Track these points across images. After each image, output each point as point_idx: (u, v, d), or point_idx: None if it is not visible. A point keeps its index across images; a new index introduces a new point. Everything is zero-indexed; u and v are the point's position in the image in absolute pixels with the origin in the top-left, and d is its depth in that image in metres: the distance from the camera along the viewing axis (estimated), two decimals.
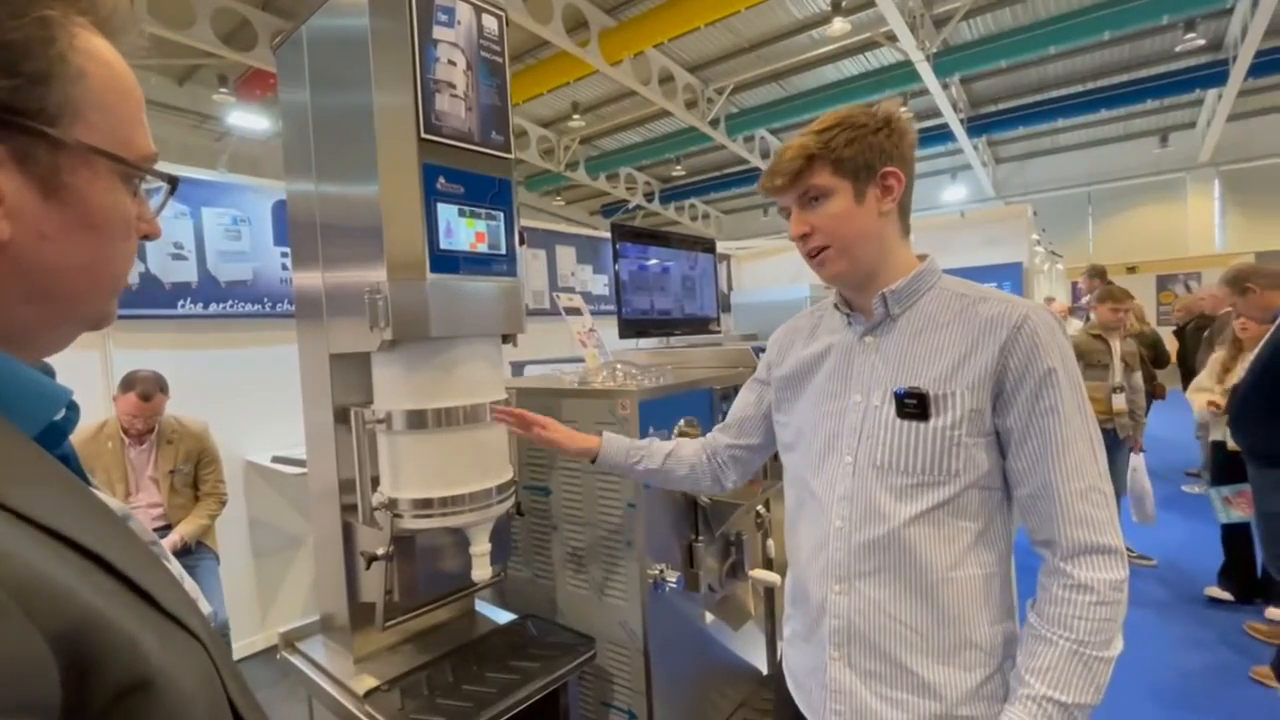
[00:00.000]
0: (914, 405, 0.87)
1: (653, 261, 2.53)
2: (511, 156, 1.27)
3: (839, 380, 0.97)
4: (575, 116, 10.13)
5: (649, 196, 14.61)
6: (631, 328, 2.34)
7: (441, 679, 1.29)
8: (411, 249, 1.13)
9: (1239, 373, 2.78)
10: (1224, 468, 3.16)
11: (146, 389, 2.45)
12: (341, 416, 1.31)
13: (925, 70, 8.37)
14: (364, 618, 1.35)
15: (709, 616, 1.64)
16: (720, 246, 3.76)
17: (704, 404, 1.64)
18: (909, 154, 0.92)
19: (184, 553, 2.52)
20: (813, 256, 0.95)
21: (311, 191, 1.30)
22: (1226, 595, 3.25)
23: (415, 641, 1.44)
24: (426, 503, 1.20)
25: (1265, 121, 11.68)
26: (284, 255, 3.16)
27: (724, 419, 1.71)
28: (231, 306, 3.00)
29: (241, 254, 3.01)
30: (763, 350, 1.90)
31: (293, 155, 1.36)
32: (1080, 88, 10.47)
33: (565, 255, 4.46)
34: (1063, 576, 0.81)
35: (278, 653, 1.46)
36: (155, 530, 2.55)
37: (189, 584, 0.49)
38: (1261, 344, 2.63)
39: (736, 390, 1.79)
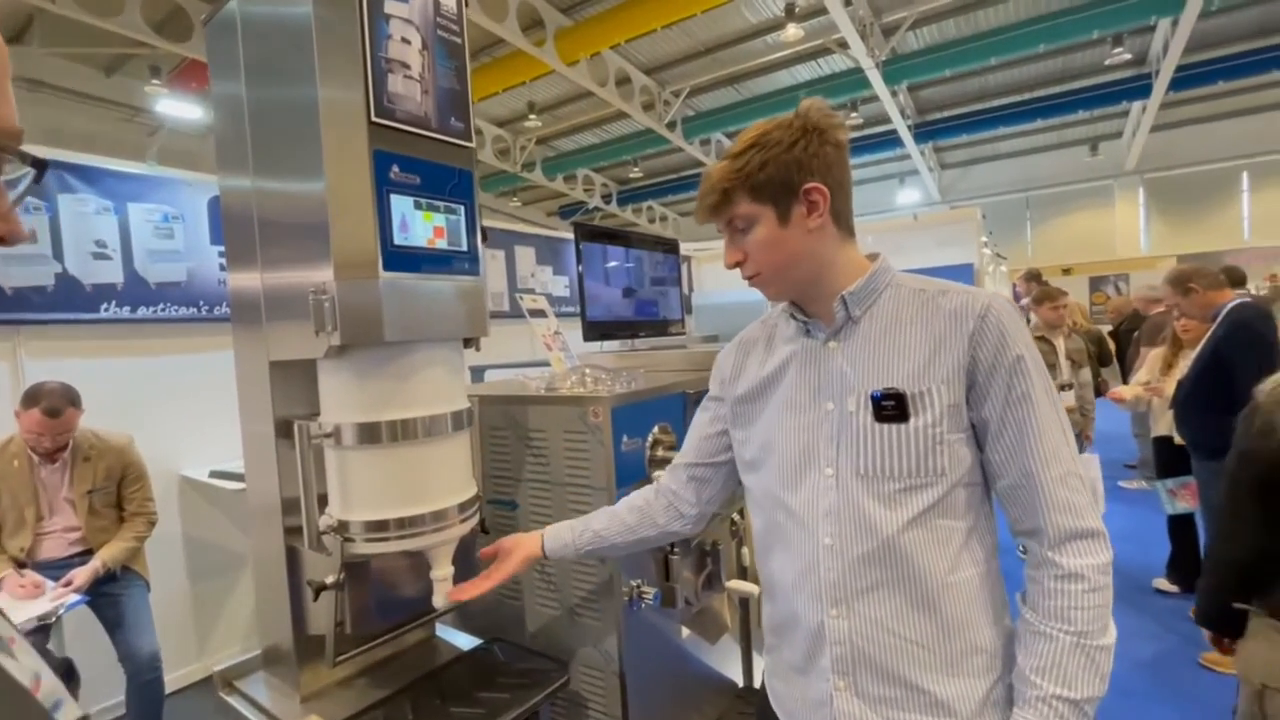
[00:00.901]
0: (892, 407, 0.83)
1: (616, 262, 2.46)
2: (473, 146, 1.18)
3: (806, 390, 0.92)
4: (532, 116, 9.97)
5: (606, 198, 14.55)
6: (596, 330, 2.26)
7: (400, 717, 1.18)
8: (361, 245, 1.03)
9: (1182, 368, 2.89)
10: (1167, 462, 3.29)
11: (53, 404, 2.18)
12: (284, 430, 1.18)
13: (875, 77, 8.59)
14: (311, 651, 1.22)
15: (685, 632, 1.57)
16: (681, 247, 3.73)
17: (677, 409, 1.57)
18: (833, 159, 0.87)
19: (108, 580, 2.30)
20: (751, 279, 0.93)
21: (247, 186, 1.17)
22: (1174, 588, 3.39)
23: (370, 675, 1.32)
24: (381, 525, 1.09)
25: (1185, 132, 12.47)
26: (222, 255, 2.95)
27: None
28: (163, 310, 2.78)
29: (174, 253, 2.79)
30: None
31: (226, 146, 1.23)
32: (1018, 97, 10.95)
33: (525, 256, 4.34)
34: (1052, 567, 0.79)
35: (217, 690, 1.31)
36: (74, 556, 2.32)
37: (46, 681, 0.38)
38: (1203, 342, 2.74)
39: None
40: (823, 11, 7.14)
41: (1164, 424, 3.31)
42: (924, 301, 0.87)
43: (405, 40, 1.05)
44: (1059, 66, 10.05)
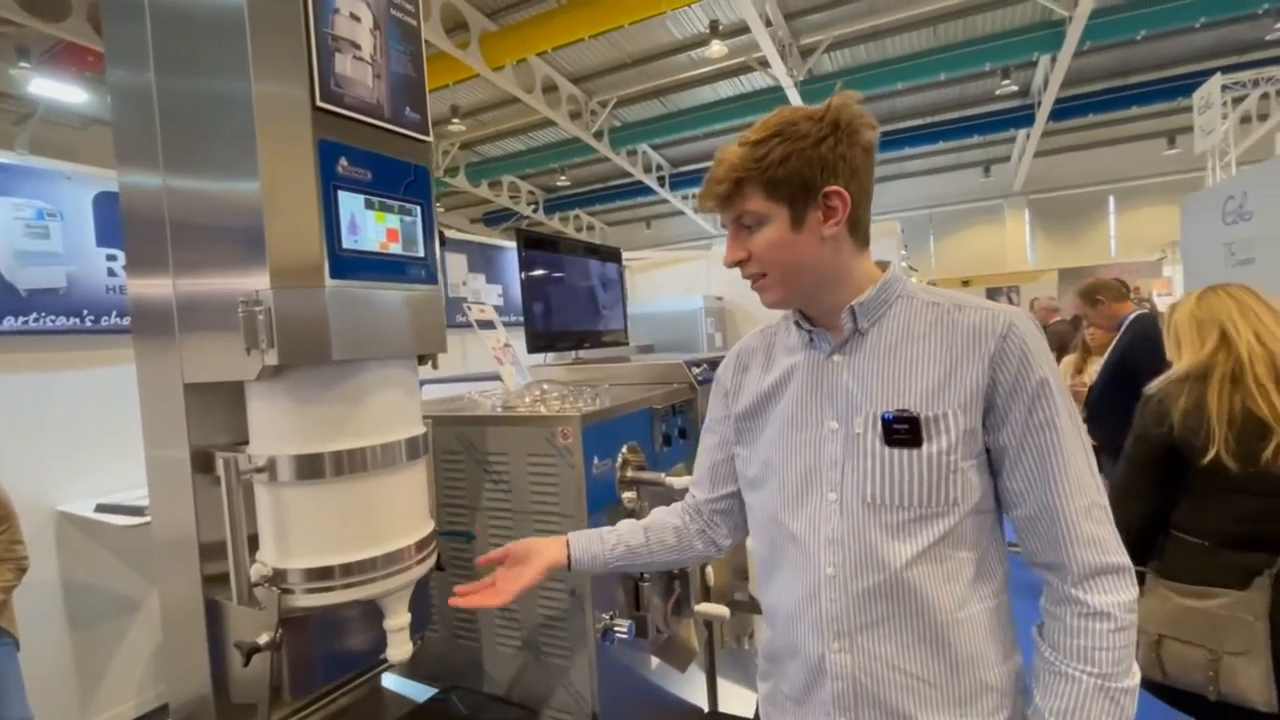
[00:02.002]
0: (905, 431, 0.77)
1: (562, 271, 2.37)
2: (430, 140, 1.06)
3: (810, 407, 0.86)
4: (455, 120, 9.66)
5: (533, 206, 14.33)
6: (540, 340, 2.15)
7: None
8: (304, 248, 0.89)
9: (1091, 373, 3.12)
10: None
11: None
12: (202, 462, 1.01)
13: (794, 96, 8.95)
14: (237, 717, 1.05)
15: (654, 661, 1.49)
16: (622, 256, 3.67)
17: (643, 427, 1.49)
18: (860, 163, 0.80)
19: None
20: (752, 280, 0.86)
21: (155, 183, 0.99)
22: None
23: None
24: (326, 572, 0.94)
25: (1064, 158, 13.81)
26: (112, 259, 2.60)
27: (664, 443, 1.59)
28: (36, 320, 2.39)
29: (50, 255, 2.42)
30: (696, 365, 1.80)
31: (129, 139, 1.04)
32: (921, 121, 11.76)
33: (455, 263, 4.13)
34: (1076, 605, 0.75)
35: None
36: None
37: None
38: (1109, 350, 2.97)
39: (675, 410, 1.67)
40: (745, 30, 7.35)
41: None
42: (938, 316, 0.81)
43: (355, 17, 0.93)
44: (956, 94, 10.88)
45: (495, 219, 15.02)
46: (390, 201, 0.98)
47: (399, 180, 1.00)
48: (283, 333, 0.87)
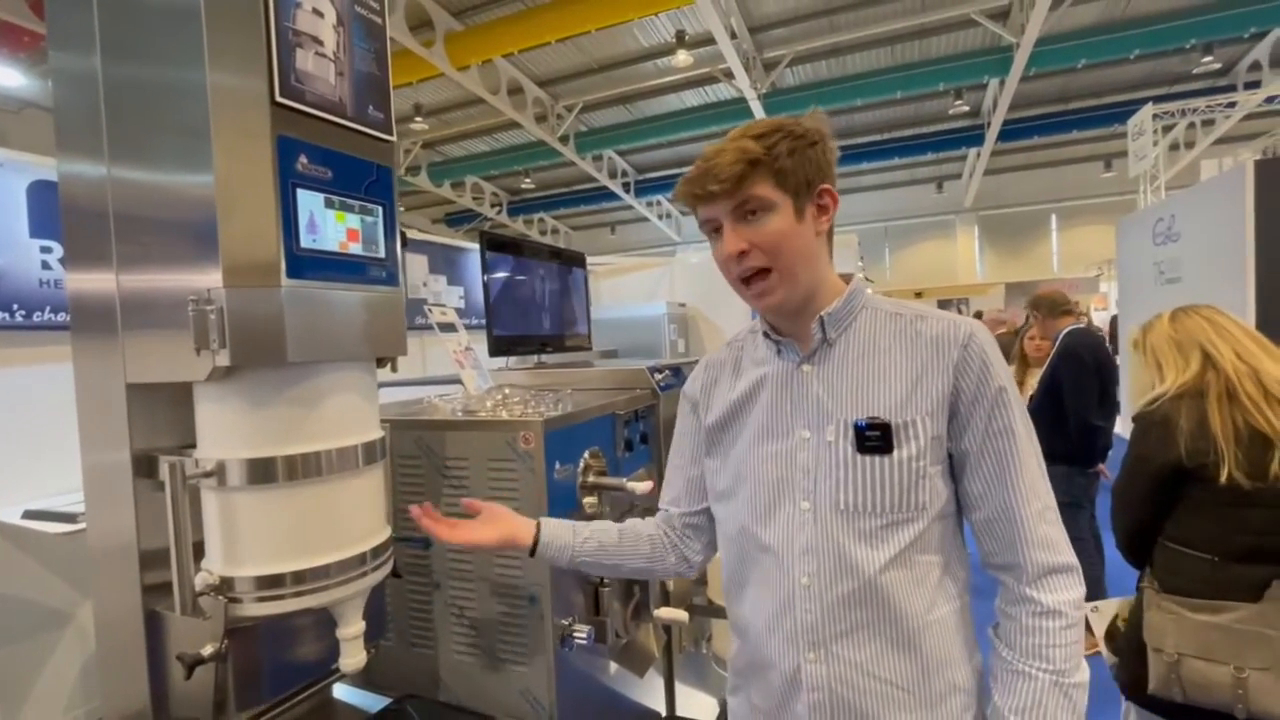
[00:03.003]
0: (877, 438, 0.80)
1: (525, 275, 2.36)
2: (394, 140, 1.04)
3: (780, 416, 0.88)
4: (418, 119, 9.50)
5: (496, 208, 14.17)
6: (503, 345, 2.14)
7: None
8: (259, 246, 0.86)
9: (1031, 385, 3.27)
10: None
11: None
12: (145, 467, 0.96)
13: (757, 108, 9.12)
14: None
15: (613, 667, 1.49)
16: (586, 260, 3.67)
17: (606, 432, 1.50)
18: (835, 173, 0.87)
19: None
20: (747, 283, 0.84)
21: (99, 173, 0.95)
22: None
23: None
24: (276, 580, 0.91)
25: (1011, 176, 14.46)
26: (46, 250, 2.46)
27: (626, 448, 1.60)
28: None
29: None
30: (658, 371, 1.81)
31: (70, 127, 0.99)
32: (879, 136, 12.15)
33: (416, 264, 4.04)
34: (1030, 604, 0.79)
35: None
36: None
37: None
38: (1046, 363, 3.12)
39: (637, 415, 1.68)
40: (711, 41, 7.46)
41: None
42: (902, 327, 0.85)
43: (317, 12, 0.91)
44: (912, 112, 11.27)
45: (457, 220, 14.80)
46: (351, 201, 0.97)
47: (361, 180, 0.98)
48: (235, 333, 0.84)
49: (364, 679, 1.39)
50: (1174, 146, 9.35)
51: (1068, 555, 0.80)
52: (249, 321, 0.85)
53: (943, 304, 14.79)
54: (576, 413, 1.36)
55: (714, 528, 1.01)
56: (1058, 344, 3.08)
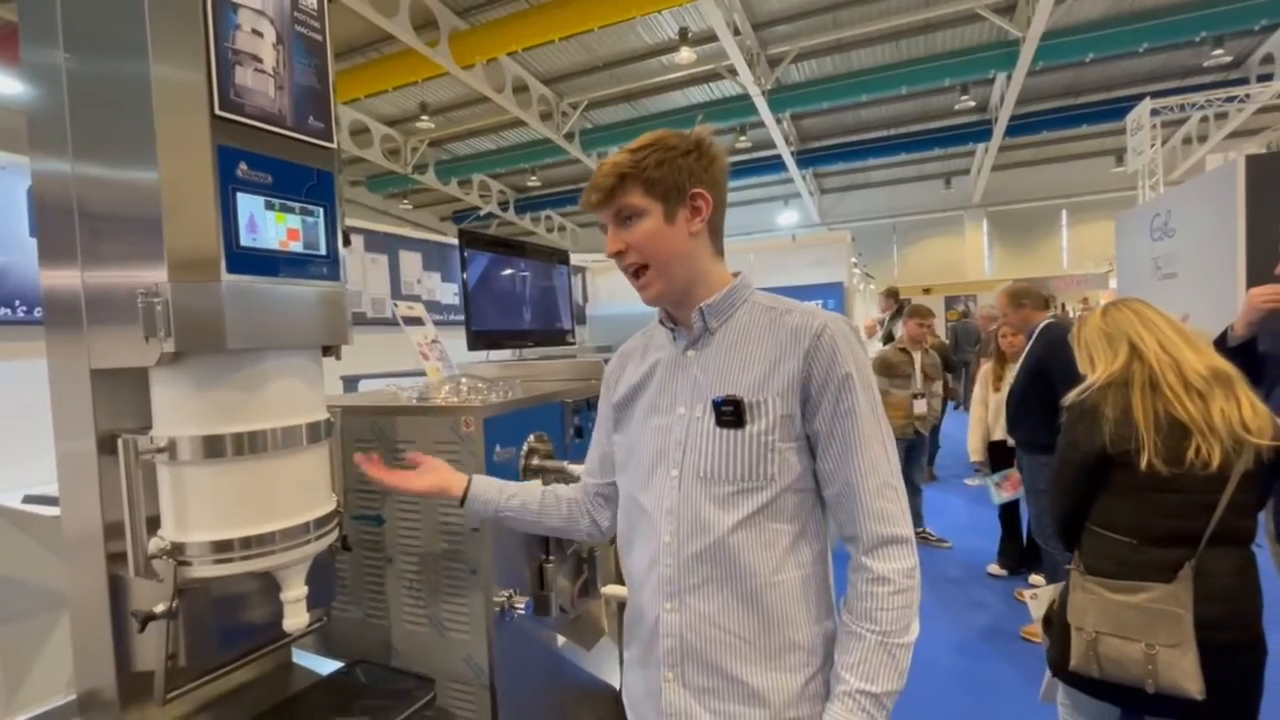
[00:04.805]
0: (730, 413, 0.89)
1: (505, 271, 2.44)
2: (334, 146, 1.13)
3: (665, 395, 0.98)
4: (424, 117, 9.62)
5: (504, 205, 14.29)
6: (481, 339, 2.22)
7: None
8: (201, 245, 0.96)
9: (1009, 380, 3.31)
10: (996, 459, 3.76)
11: None
12: (108, 446, 1.07)
13: (761, 104, 9.13)
14: (139, 690, 1.11)
15: (560, 639, 1.58)
16: (575, 258, 3.75)
17: (554, 418, 1.58)
18: (719, 178, 0.96)
19: None
20: (634, 277, 0.96)
21: (66, 172, 1.06)
22: (1003, 571, 3.85)
23: (211, 710, 1.22)
24: (224, 545, 1.01)
25: (1020, 172, 14.29)
26: None
27: (576, 435, 1.68)
28: None
29: None
30: None
31: (42, 127, 1.09)
32: (885, 132, 12.06)
33: (410, 261, 4.17)
34: (864, 571, 0.88)
35: None
36: None
37: None
38: (1023, 356, 3.15)
39: (589, 404, 1.76)
40: (714, 38, 7.50)
41: (999, 429, 3.78)
42: (772, 319, 0.94)
43: (256, 32, 1.00)
44: (918, 107, 11.19)
45: (463, 217, 14.95)
46: (291, 203, 1.06)
47: (301, 184, 1.07)
48: (180, 323, 0.93)
49: (324, 647, 1.50)
50: (1187, 140, 9.23)
51: (901, 529, 0.88)
52: (191, 313, 0.94)
53: (951, 300, 14.70)
54: (519, 400, 1.45)
55: None
56: (1036, 335, 3.10)
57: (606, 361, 1.85)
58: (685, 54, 8.00)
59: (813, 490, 0.93)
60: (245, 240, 0.99)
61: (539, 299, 2.69)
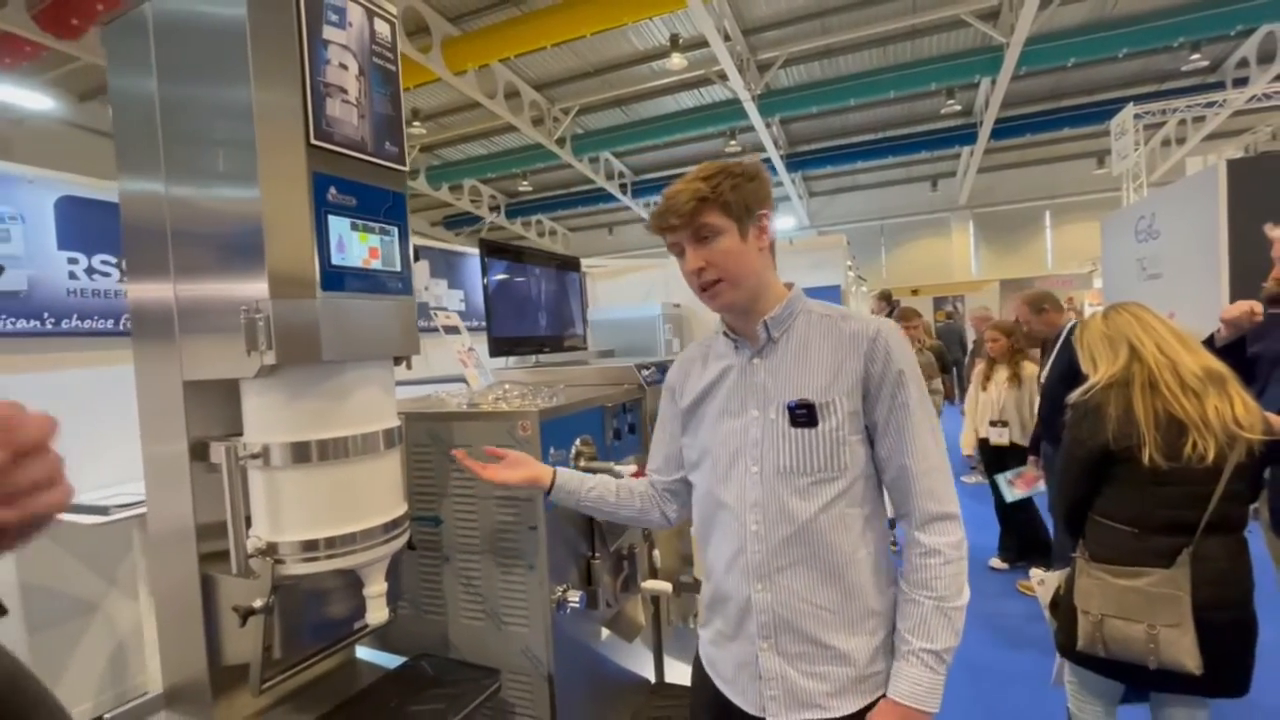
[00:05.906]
0: (804, 415, 1.00)
1: (521, 278, 2.51)
2: (406, 169, 1.21)
3: (736, 399, 1.08)
4: (416, 123, 9.63)
5: (495, 210, 14.30)
6: (503, 346, 2.30)
7: None
8: (299, 264, 1.03)
9: (1001, 380, 3.42)
10: (990, 460, 3.89)
11: None
12: (199, 452, 1.13)
13: (751, 109, 9.25)
14: (227, 683, 1.17)
15: (604, 633, 1.66)
16: (580, 264, 3.83)
17: (596, 422, 1.66)
18: (772, 200, 1.08)
19: None
20: (705, 290, 1.05)
21: (159, 193, 1.12)
22: (1004, 565, 3.97)
23: (291, 702, 1.28)
24: (313, 544, 1.08)
25: (1005, 174, 14.54)
26: (73, 262, 2.63)
27: (615, 437, 1.77)
28: None
29: (12, 259, 2.45)
30: (645, 368, 1.98)
31: (130, 151, 1.16)
32: (872, 136, 12.24)
33: (418, 269, 4.22)
34: (917, 546, 0.99)
35: None
36: None
37: None
38: (1055, 355, 3.25)
39: (625, 408, 1.85)
40: (705, 44, 7.60)
41: (984, 428, 3.91)
42: (830, 326, 1.05)
43: (343, 66, 1.07)
44: (905, 111, 11.39)
45: (455, 222, 14.94)
46: (372, 224, 1.13)
47: (379, 205, 1.15)
48: (280, 337, 1.01)
49: (384, 643, 1.56)
50: (1165, 143, 9.50)
51: (949, 506, 0.99)
52: (291, 328, 1.02)
53: (939, 300, 14.93)
54: (568, 405, 1.53)
55: (689, 493, 1.20)
56: (1065, 337, 3.19)
57: (642, 369, 1.94)
58: (676, 60, 8.10)
59: (874, 475, 1.04)
60: (335, 259, 1.06)
61: (553, 305, 2.76)
